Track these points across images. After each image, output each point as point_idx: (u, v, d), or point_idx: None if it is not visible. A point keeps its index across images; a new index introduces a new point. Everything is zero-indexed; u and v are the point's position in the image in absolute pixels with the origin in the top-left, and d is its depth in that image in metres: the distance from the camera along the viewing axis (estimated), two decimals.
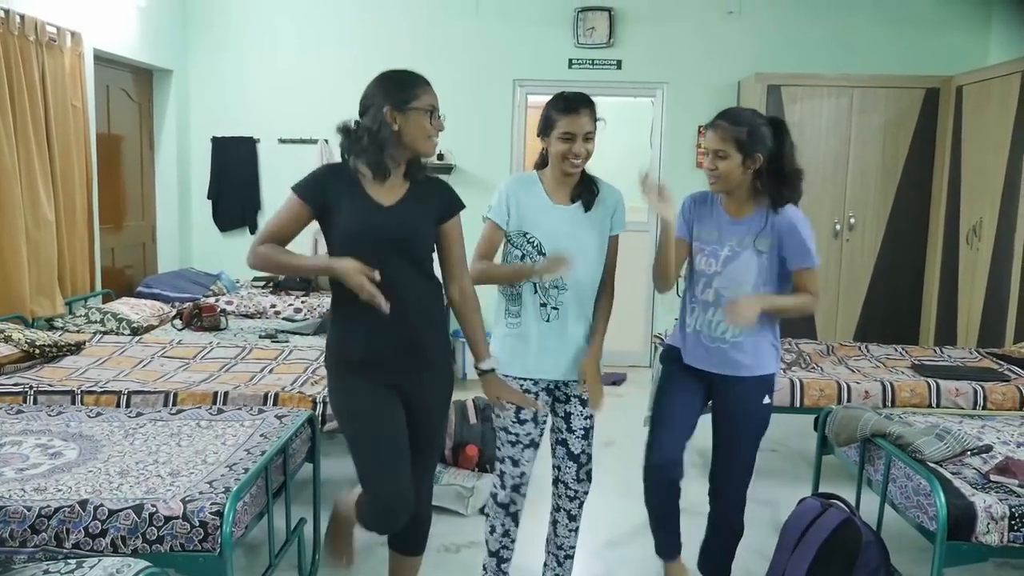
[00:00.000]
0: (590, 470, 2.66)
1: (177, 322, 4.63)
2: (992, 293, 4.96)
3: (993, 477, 2.57)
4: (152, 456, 2.57)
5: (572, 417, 2.60)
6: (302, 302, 5.20)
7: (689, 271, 2.64)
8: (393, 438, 2.24)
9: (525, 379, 2.55)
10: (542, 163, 2.56)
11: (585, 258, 2.49)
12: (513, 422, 2.55)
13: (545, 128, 2.45)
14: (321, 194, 2.20)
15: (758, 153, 2.42)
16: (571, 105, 2.41)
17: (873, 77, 5.58)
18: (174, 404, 3.18)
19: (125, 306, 4.61)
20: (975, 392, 3.62)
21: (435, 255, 2.36)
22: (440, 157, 5.93)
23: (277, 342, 4.31)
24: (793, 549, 2.68)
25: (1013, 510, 2.38)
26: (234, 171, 6.12)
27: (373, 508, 2.28)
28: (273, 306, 5.13)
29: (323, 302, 5.10)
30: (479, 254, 2.52)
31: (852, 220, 5.61)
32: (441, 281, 2.37)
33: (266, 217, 6.14)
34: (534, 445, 2.59)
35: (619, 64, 5.99)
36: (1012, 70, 4.82)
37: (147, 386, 3.32)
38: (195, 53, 6.04)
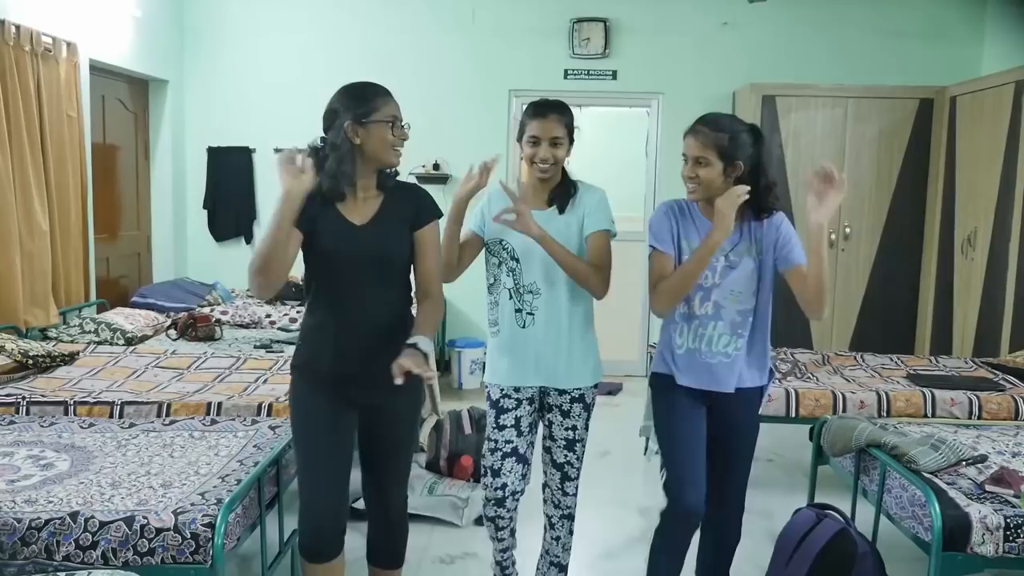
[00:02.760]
0: (576, 484, 2.63)
1: (172, 332, 4.62)
2: (987, 303, 4.97)
3: (988, 487, 2.57)
4: (144, 467, 2.56)
5: (554, 427, 2.59)
6: (297, 312, 5.19)
7: None
8: (335, 457, 2.24)
9: (505, 387, 2.54)
10: None
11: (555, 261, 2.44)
12: (493, 427, 2.56)
13: (519, 133, 2.51)
14: (304, 216, 2.11)
15: (739, 160, 2.33)
16: (539, 110, 2.44)
17: (867, 88, 5.60)
18: (167, 415, 3.17)
19: (119, 316, 4.60)
20: (970, 402, 3.62)
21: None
22: (436, 167, 5.94)
23: (272, 352, 4.30)
24: (788, 560, 2.68)
25: (1008, 520, 2.37)
26: (230, 181, 6.12)
27: (303, 520, 2.26)
28: (268, 316, 5.13)
29: None
30: None
31: (847, 230, 5.62)
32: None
33: (262, 227, 6.13)
34: (516, 455, 2.55)
35: (614, 74, 6.00)
36: (1006, 80, 4.84)
37: (140, 396, 3.31)
38: (191, 64, 6.05)
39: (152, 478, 2.46)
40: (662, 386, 2.52)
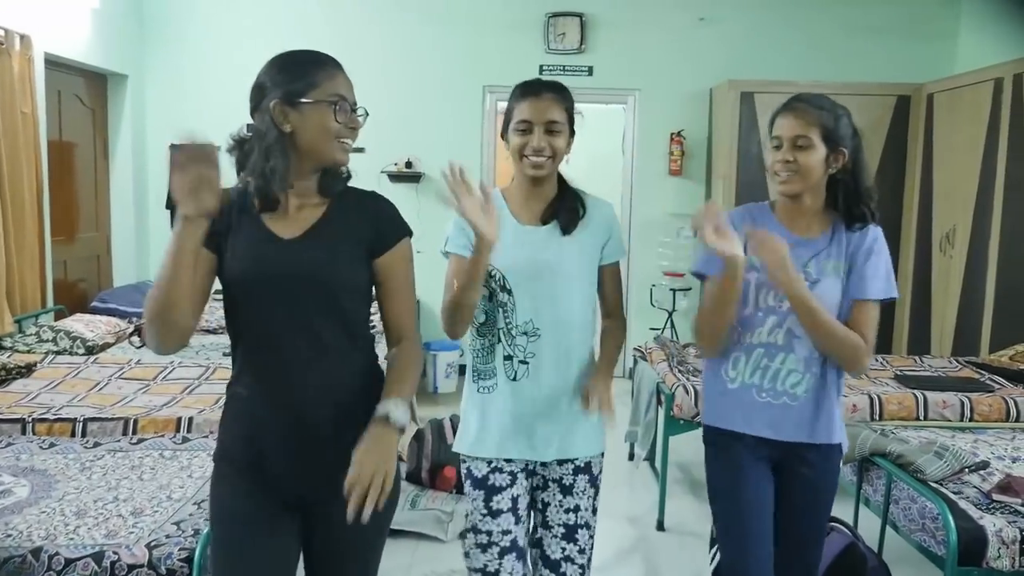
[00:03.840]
0: None
1: (135, 339, 4.41)
2: (967, 301, 4.95)
3: (995, 496, 2.51)
4: (112, 492, 2.38)
5: (549, 509, 1.97)
6: None
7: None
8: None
9: (492, 461, 1.95)
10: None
11: (563, 295, 1.92)
12: (482, 515, 1.92)
13: (504, 125, 1.97)
14: (213, 229, 1.49)
15: (843, 148, 1.91)
16: (531, 88, 1.92)
17: (845, 84, 5.55)
18: (134, 432, 2.98)
19: (79, 323, 4.37)
20: (962, 404, 3.56)
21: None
22: (408, 165, 5.77)
23: None
24: None
25: None
26: None
27: None
28: None
29: None
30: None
31: None
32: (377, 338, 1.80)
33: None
34: (517, 551, 1.93)
35: (590, 70, 5.90)
36: (984, 78, 4.82)
37: (104, 412, 3.11)
38: (151, 57, 5.80)
39: (121, 505, 2.29)
40: (717, 443, 2.06)
